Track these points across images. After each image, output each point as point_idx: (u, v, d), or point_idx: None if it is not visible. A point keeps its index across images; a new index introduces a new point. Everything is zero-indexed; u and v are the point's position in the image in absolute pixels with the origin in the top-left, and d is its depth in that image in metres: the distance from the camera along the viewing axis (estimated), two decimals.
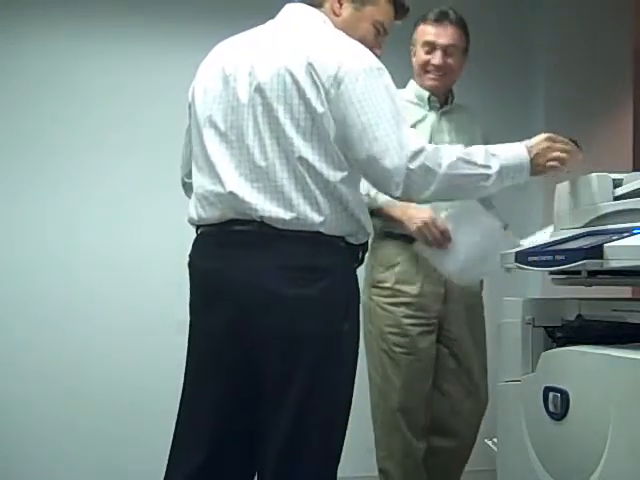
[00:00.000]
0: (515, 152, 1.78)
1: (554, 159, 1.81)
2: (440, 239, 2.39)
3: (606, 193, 1.84)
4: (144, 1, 3.45)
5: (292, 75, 1.66)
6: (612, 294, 1.97)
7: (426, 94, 2.65)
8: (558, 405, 1.69)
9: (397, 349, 2.56)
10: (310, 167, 1.66)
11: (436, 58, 2.58)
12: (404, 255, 2.57)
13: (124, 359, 3.31)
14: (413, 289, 2.56)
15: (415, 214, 2.42)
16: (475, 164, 1.71)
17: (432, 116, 2.67)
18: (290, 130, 1.66)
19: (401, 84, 2.61)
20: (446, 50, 2.58)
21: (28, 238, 3.32)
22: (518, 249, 2.01)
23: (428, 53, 2.60)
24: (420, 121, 2.63)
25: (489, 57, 2.90)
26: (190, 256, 1.83)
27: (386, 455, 2.65)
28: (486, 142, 2.59)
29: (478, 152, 1.73)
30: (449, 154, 1.69)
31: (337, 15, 1.83)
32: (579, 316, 1.86)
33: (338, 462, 1.75)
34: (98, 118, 3.39)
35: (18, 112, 3.35)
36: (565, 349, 1.77)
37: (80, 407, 3.27)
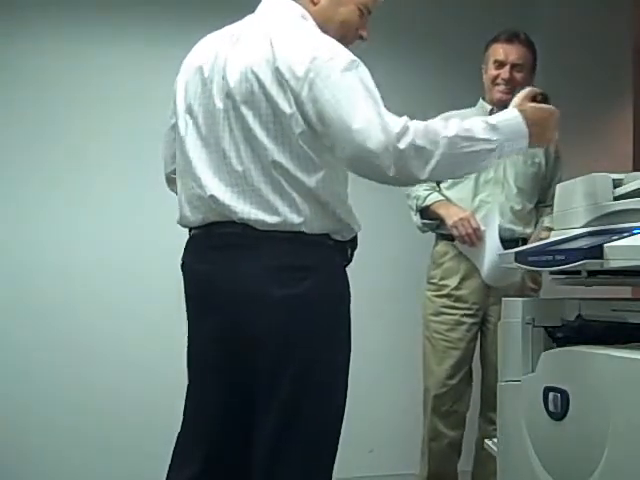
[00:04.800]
0: (515, 122, 1.70)
1: (552, 132, 1.77)
2: (472, 235, 2.66)
3: (606, 193, 1.83)
4: (144, 2, 3.45)
5: (258, 79, 1.64)
6: (612, 294, 1.97)
7: (489, 107, 2.86)
8: (558, 405, 1.69)
9: (436, 335, 2.82)
10: (284, 170, 1.65)
11: (505, 73, 2.79)
12: (450, 254, 2.82)
13: (124, 361, 3.30)
14: (453, 282, 2.81)
15: (455, 211, 2.72)
16: (475, 139, 1.63)
17: None
18: (261, 134, 1.65)
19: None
20: (514, 67, 2.79)
21: (27, 238, 3.32)
22: (518, 249, 2.01)
23: (498, 69, 2.81)
24: None
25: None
26: (182, 259, 1.83)
27: (423, 438, 2.89)
28: (549, 155, 2.87)
29: (477, 125, 1.65)
30: (445, 131, 1.61)
31: (315, 3, 1.79)
32: (579, 316, 1.85)
33: (330, 467, 1.72)
34: (98, 118, 3.39)
35: (18, 112, 3.35)
36: (565, 349, 1.77)
37: (81, 411, 3.27)
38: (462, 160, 1.65)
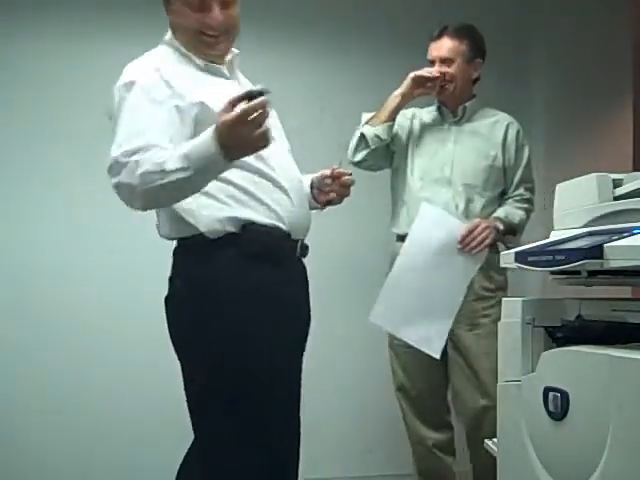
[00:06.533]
0: (202, 145, 1.66)
1: (252, 136, 1.62)
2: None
3: (606, 193, 1.84)
4: (144, 2, 3.45)
5: None
6: (612, 294, 1.97)
7: (437, 106, 2.88)
8: (558, 405, 1.69)
9: (396, 341, 2.77)
10: None
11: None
12: None
13: (124, 361, 3.30)
14: None
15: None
16: (167, 171, 1.65)
17: (444, 127, 2.86)
18: None
19: None
20: (444, 61, 2.78)
21: (27, 238, 3.32)
22: (518, 249, 2.01)
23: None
24: (435, 133, 2.86)
25: (489, 57, 2.91)
26: None
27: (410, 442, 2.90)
28: (507, 145, 2.81)
29: (174, 155, 1.67)
30: (142, 166, 1.67)
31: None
32: (579, 316, 1.86)
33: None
34: (98, 118, 3.38)
35: (18, 112, 3.35)
36: (565, 349, 1.77)
37: (81, 411, 3.27)
38: (164, 192, 1.70)
